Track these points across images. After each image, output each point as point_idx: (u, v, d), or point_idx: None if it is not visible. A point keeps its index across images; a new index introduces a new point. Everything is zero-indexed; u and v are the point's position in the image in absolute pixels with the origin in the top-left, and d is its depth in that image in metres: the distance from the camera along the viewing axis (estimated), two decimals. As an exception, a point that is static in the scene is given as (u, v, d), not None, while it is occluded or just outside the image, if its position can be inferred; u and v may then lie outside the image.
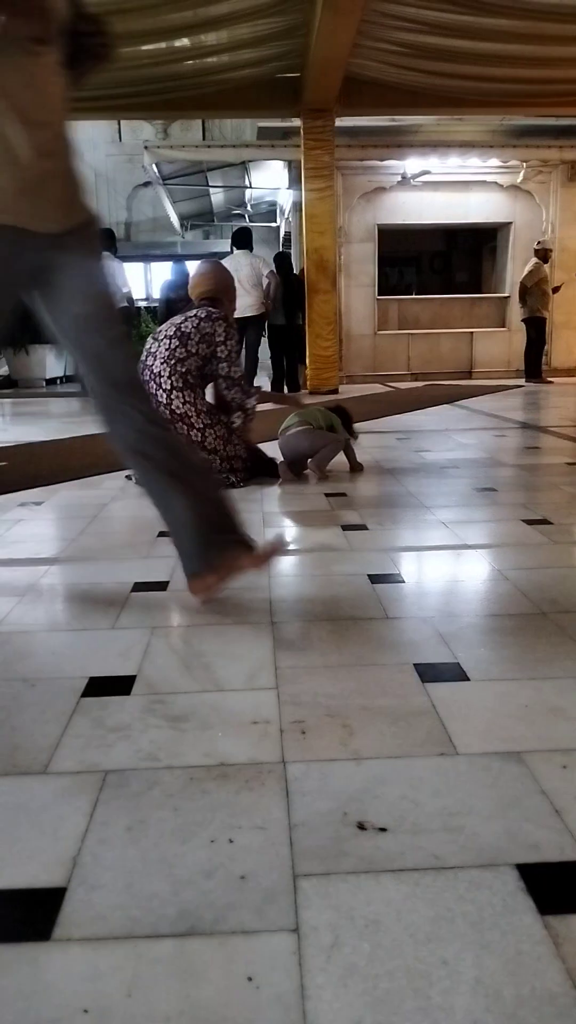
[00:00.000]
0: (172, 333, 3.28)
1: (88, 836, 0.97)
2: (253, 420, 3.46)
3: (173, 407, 3.22)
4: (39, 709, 1.31)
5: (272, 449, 3.59)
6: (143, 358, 3.32)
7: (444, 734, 1.19)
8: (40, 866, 0.91)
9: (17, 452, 4.67)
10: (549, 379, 9.95)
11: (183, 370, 3.24)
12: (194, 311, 3.37)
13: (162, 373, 3.25)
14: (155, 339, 3.35)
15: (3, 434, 5.88)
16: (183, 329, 3.28)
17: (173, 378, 3.24)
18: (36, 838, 0.97)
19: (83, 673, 1.45)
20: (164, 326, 3.39)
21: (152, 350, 3.31)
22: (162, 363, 3.26)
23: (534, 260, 9.54)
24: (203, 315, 3.31)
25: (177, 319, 3.36)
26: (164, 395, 3.23)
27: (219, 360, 3.29)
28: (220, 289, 3.51)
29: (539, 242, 9.86)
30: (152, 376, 3.26)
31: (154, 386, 3.25)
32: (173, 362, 3.24)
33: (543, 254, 9.60)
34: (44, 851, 0.94)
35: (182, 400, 3.24)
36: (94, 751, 1.17)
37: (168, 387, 3.24)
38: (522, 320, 9.77)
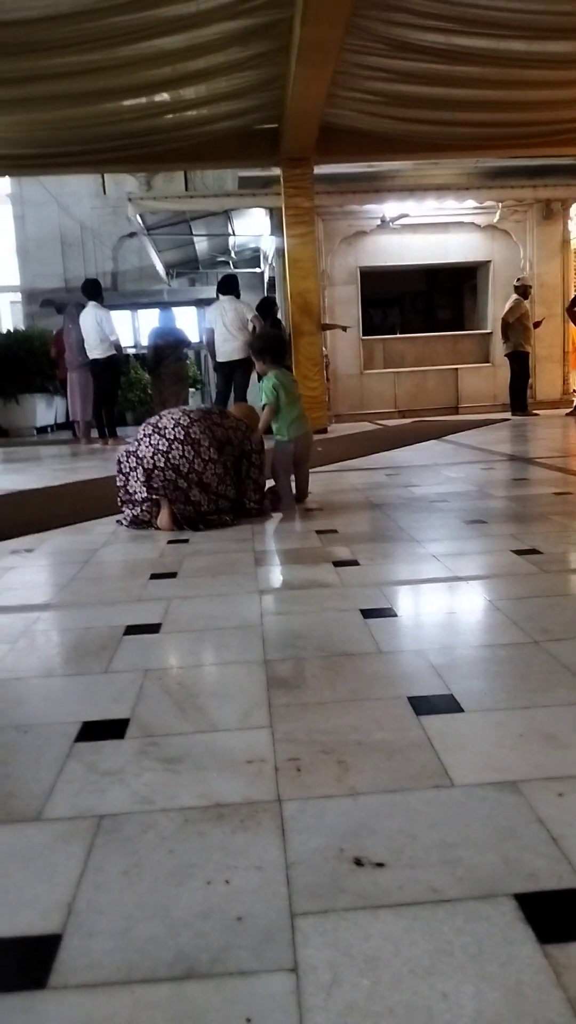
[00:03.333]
0: (213, 406, 3.69)
1: (83, 881, 0.96)
2: (263, 512, 3.64)
3: (191, 431, 3.30)
4: (32, 756, 1.30)
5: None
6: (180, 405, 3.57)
7: (440, 766, 1.19)
8: (35, 913, 0.90)
9: (8, 500, 4.68)
10: (535, 412, 10.06)
11: (209, 424, 3.39)
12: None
13: (193, 412, 3.43)
14: (189, 407, 3.65)
15: (-6, 483, 5.89)
16: (227, 413, 3.63)
17: (202, 420, 3.38)
18: (31, 885, 0.96)
19: (76, 718, 1.44)
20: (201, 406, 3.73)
21: (186, 401, 3.57)
22: (197, 408, 3.49)
23: (514, 297, 9.71)
24: (245, 420, 3.64)
25: (214, 407, 3.72)
26: (187, 420, 3.35)
27: (251, 464, 3.54)
28: (251, 421, 3.72)
29: (519, 279, 10.05)
30: (182, 410, 3.45)
31: (180, 414, 3.40)
32: (206, 414, 3.45)
33: (523, 290, 9.78)
34: (39, 898, 0.93)
35: (201, 430, 3.32)
36: (88, 796, 1.16)
37: (195, 417, 3.38)
38: (505, 355, 9.91)
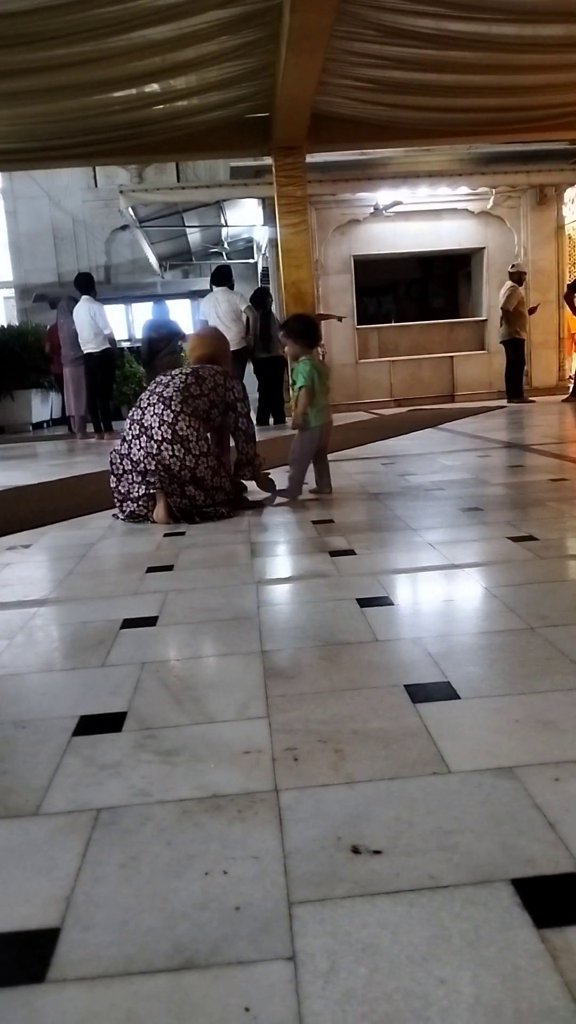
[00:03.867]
0: (189, 371, 3.43)
1: (81, 875, 0.96)
2: (259, 474, 3.60)
3: (177, 428, 3.23)
4: (30, 751, 1.30)
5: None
6: (150, 387, 3.42)
7: (436, 753, 1.19)
8: (33, 908, 0.90)
9: (4, 496, 4.67)
10: (531, 399, 10.04)
11: (193, 405, 3.31)
12: (201, 367, 3.50)
13: (173, 398, 3.30)
14: (165, 385, 3.40)
15: (-10, 479, 5.88)
16: (201, 373, 3.44)
17: (184, 405, 3.29)
18: (29, 879, 0.96)
19: (74, 712, 1.44)
20: (174, 376, 3.46)
21: (164, 380, 3.41)
22: (176, 391, 3.33)
23: (509, 284, 9.67)
24: (219, 369, 3.51)
25: (185, 371, 3.47)
26: (171, 415, 3.25)
27: (238, 415, 3.47)
28: (218, 354, 3.66)
29: (513, 265, 10.02)
30: (160, 399, 3.31)
31: (162, 407, 3.29)
32: (186, 395, 3.31)
33: (518, 277, 9.75)
34: (37, 892, 0.93)
35: (187, 423, 3.26)
36: (86, 790, 1.16)
37: (178, 409, 3.27)
38: (501, 342, 9.89)
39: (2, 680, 1.64)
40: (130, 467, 3.29)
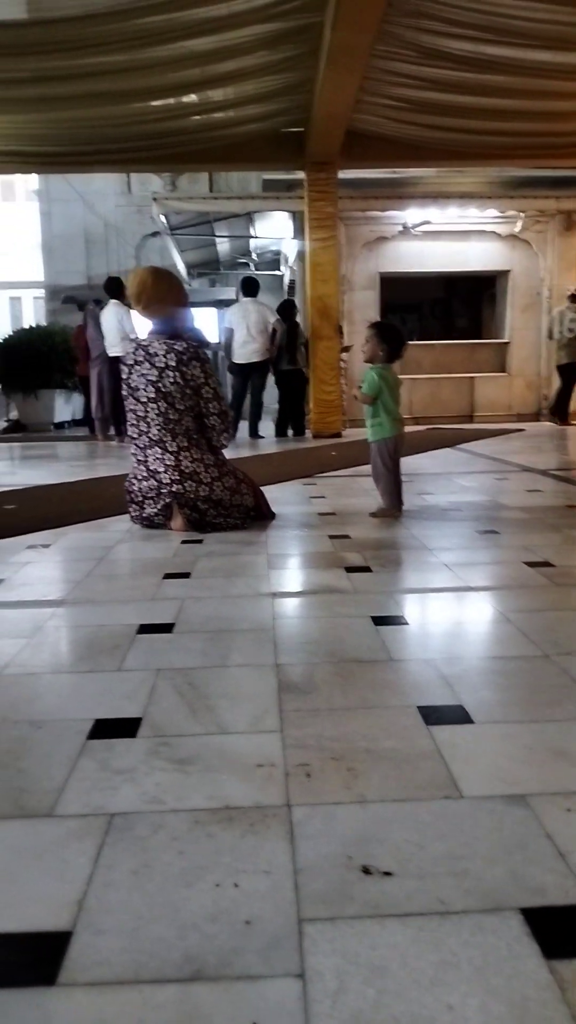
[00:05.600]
0: (155, 396, 3.21)
1: (93, 879, 0.97)
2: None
3: (182, 467, 3.24)
4: (45, 751, 1.31)
5: (287, 491, 3.61)
6: (132, 421, 3.32)
7: (448, 777, 1.19)
8: (45, 910, 0.91)
9: (25, 495, 4.70)
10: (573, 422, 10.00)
11: (182, 430, 3.27)
12: (160, 354, 3.20)
13: (164, 439, 3.26)
14: (137, 400, 3.25)
15: (12, 477, 5.93)
16: (163, 389, 3.20)
17: (177, 440, 3.27)
18: (41, 881, 0.97)
19: (89, 715, 1.45)
20: (139, 382, 3.23)
21: (140, 414, 3.27)
22: (159, 430, 3.26)
23: (574, 306, 9.61)
24: (173, 362, 3.19)
25: (150, 373, 3.21)
26: (172, 458, 3.25)
27: (207, 400, 3.27)
28: (173, 303, 3.35)
29: None
30: (153, 442, 3.29)
31: (159, 451, 3.27)
32: (171, 427, 3.25)
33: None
34: (49, 895, 0.94)
35: (190, 459, 3.26)
36: (100, 794, 1.17)
37: (175, 449, 3.26)
38: (560, 365, 9.75)
39: (19, 679, 1.66)
40: (147, 498, 3.34)
